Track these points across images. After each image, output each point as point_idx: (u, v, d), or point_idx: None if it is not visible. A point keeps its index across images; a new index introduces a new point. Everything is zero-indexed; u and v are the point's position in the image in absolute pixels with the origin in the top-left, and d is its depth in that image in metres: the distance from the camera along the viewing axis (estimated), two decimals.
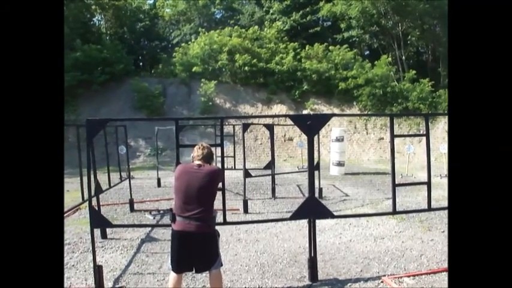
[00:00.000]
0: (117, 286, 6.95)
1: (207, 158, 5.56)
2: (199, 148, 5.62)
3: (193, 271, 5.76)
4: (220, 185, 6.03)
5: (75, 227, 10.43)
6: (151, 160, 26.35)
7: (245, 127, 13.61)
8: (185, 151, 8.08)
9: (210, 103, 32.69)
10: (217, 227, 5.64)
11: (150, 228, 10.29)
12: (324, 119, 7.23)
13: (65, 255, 8.49)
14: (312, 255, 6.99)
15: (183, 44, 38.86)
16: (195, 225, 5.21)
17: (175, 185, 5.43)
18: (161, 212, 12.44)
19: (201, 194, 5.27)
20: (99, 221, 6.74)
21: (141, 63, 47.46)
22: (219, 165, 7.61)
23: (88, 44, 34.28)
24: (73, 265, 7.95)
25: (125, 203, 12.93)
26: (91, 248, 8.80)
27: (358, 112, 32.95)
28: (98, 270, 6.60)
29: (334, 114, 8.27)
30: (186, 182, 5.32)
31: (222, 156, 7.40)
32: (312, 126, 6.83)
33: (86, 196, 9.48)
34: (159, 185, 18.03)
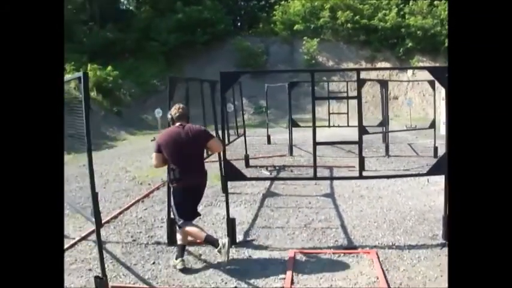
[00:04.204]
0: (248, 239, 6.98)
1: (185, 117, 6.03)
2: (177, 109, 6.04)
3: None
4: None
5: None
6: (256, 118, 26.50)
7: (361, 83, 13.25)
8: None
9: (313, 61, 32.26)
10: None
11: (269, 183, 10.33)
12: None
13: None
14: (448, 212, 6.69)
15: (282, 2, 38.32)
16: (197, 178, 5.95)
17: (167, 148, 5.86)
18: (277, 167, 12.49)
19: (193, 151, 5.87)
20: (233, 174, 6.75)
21: (239, 24, 47.32)
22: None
23: (189, 5, 34.66)
24: (199, 218, 8.08)
25: (240, 159, 12.99)
26: (214, 202, 9.05)
27: None
28: (231, 223, 6.65)
29: None
30: (178, 144, 5.80)
31: (360, 112, 7.13)
32: None
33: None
34: (269, 141, 18.15)
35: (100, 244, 4.87)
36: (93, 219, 4.78)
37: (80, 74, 4.65)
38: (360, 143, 6.98)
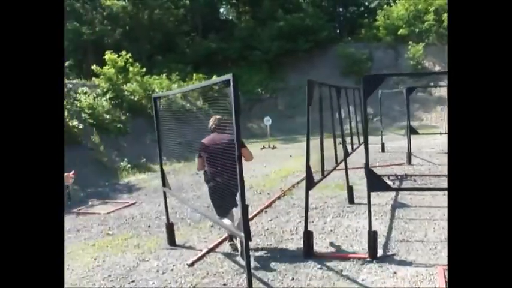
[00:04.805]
0: (389, 253, 6.54)
1: (220, 126, 6.58)
2: (213, 120, 6.76)
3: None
4: None
5: (317, 192, 10.24)
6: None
7: None
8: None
9: (419, 66, 31.45)
10: None
11: (394, 193, 9.83)
12: None
13: (316, 219, 8.37)
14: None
15: (385, 7, 37.64)
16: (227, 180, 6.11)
17: (206, 152, 6.68)
18: (399, 177, 11.93)
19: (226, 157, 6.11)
20: (377, 185, 6.35)
21: (338, 30, 46.91)
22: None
23: (290, 13, 34.79)
24: (331, 230, 7.72)
25: (359, 168, 12.54)
26: (342, 213, 8.71)
27: None
28: (373, 236, 6.27)
29: None
30: (214, 149, 6.38)
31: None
32: None
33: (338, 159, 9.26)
34: (383, 149, 17.50)
35: (248, 260, 4.50)
36: (242, 234, 4.50)
37: (229, 76, 4.34)
38: None
